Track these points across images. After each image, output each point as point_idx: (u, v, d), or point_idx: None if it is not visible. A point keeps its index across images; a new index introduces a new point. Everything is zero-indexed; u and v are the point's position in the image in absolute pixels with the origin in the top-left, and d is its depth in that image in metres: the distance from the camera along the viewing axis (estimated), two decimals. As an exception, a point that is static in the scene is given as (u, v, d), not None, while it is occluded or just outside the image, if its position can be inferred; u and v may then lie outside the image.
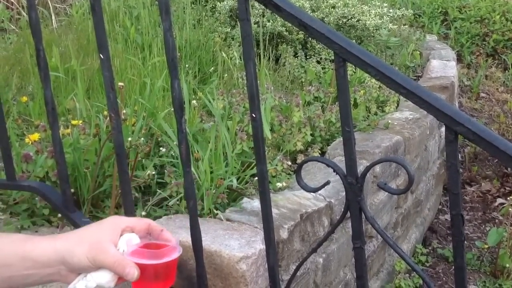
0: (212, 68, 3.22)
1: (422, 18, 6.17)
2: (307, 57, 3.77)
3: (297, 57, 3.71)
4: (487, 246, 2.84)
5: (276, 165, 2.18)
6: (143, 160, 1.98)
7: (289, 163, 2.26)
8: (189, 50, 3.26)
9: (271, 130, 2.50)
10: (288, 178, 2.15)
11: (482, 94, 5.05)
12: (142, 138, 1.90)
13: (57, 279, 0.82)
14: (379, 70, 1.11)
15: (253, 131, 1.29)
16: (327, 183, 1.26)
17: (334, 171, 1.22)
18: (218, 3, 3.87)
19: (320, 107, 2.83)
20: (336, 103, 2.85)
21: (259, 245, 1.55)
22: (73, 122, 2.05)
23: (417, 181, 3.00)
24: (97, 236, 0.81)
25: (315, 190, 1.26)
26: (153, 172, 1.91)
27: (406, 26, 4.90)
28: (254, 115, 1.29)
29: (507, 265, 2.70)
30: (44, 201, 1.70)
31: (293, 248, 1.79)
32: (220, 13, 3.86)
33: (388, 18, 3.98)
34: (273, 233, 1.31)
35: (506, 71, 5.82)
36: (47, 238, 0.82)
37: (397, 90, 1.11)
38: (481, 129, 1.02)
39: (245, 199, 1.92)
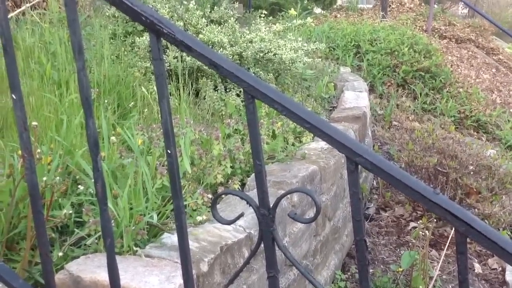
0: (132, 103, 3.23)
1: (337, 51, 6.45)
2: (227, 90, 3.85)
3: (217, 90, 3.78)
4: (401, 269, 2.98)
5: (197, 199, 2.21)
6: (60, 199, 1.95)
7: (210, 196, 2.29)
8: (108, 86, 3.24)
9: (192, 163, 2.53)
10: (208, 211, 2.18)
11: (394, 123, 5.33)
12: (58, 177, 1.88)
13: None
14: (285, 106, 1.18)
15: (169, 167, 1.32)
16: (241, 215, 1.31)
17: (247, 203, 1.27)
18: (137, 38, 3.89)
19: (239, 140, 2.90)
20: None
21: (179, 280, 1.56)
22: (-15, 162, 2.00)
23: (334, 208, 3.11)
24: None
25: (230, 223, 1.30)
26: (70, 211, 1.89)
27: (320, 59, 5.11)
28: (169, 151, 1.32)
29: (420, 287, 2.84)
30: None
31: (214, 281, 1.82)
32: (139, 48, 3.88)
33: (302, 52, 4.14)
34: (191, 267, 1.34)
35: (416, 100, 6.18)
36: None
37: (302, 125, 1.18)
38: (378, 160, 1.11)
39: (165, 234, 1.93)
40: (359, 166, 1.14)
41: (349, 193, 1.19)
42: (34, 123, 1.88)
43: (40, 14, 4.43)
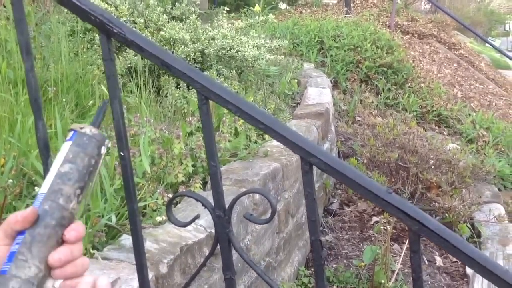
0: (91, 101, 3.16)
1: (301, 47, 6.47)
2: (189, 88, 3.81)
3: (179, 88, 3.74)
4: (363, 264, 3.01)
5: (157, 199, 2.19)
6: (14, 201, 1.90)
7: (170, 195, 2.26)
8: (66, 84, 3.17)
9: (152, 163, 2.50)
10: (168, 211, 2.16)
11: (357, 118, 5.38)
12: (11, 180, 1.82)
13: None
14: (238, 107, 1.17)
15: (122, 170, 1.29)
16: (197, 216, 1.29)
17: (202, 204, 1.26)
18: (97, 35, 3.82)
19: (201, 138, 2.88)
20: (217, 132, 2.91)
21: (136, 283, 1.54)
22: None
23: (297, 205, 3.12)
24: None
25: (185, 225, 1.29)
26: (25, 214, 1.84)
27: (284, 56, 5.11)
28: (122, 154, 1.29)
29: (382, 281, 2.87)
30: None
31: (174, 282, 1.80)
32: (99, 46, 3.80)
33: (265, 49, 4.13)
34: (146, 270, 1.32)
35: (379, 95, 6.25)
36: None
37: (256, 125, 1.17)
38: (332, 160, 1.11)
39: (124, 236, 1.90)
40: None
41: (304, 194, 1.19)
42: (-17, 125, 1.83)
43: (-3, 10, 4.30)
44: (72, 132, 0.79)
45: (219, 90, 1.20)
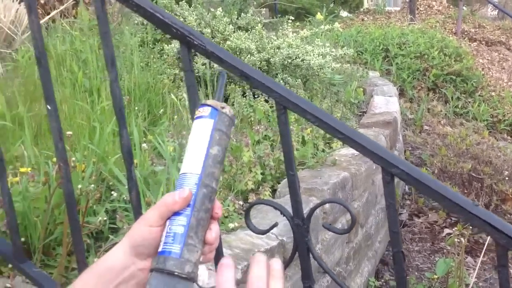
0: (162, 110, 3.25)
1: (365, 55, 6.40)
2: (255, 96, 3.85)
3: (245, 96, 3.78)
4: (436, 277, 2.93)
5: (228, 206, 2.22)
6: (94, 206, 1.98)
7: (241, 202, 2.29)
8: (138, 93, 3.28)
9: (223, 170, 2.53)
10: (240, 218, 2.18)
11: (425, 127, 5.26)
12: (92, 185, 1.90)
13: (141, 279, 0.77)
14: (317, 116, 1.17)
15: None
16: (275, 225, 1.30)
17: (281, 213, 1.27)
18: (166, 45, 3.92)
19: (269, 146, 2.90)
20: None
21: (212, 288, 1.56)
22: (22, 169, 2.03)
23: (366, 215, 3.08)
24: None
25: (264, 232, 1.30)
26: (105, 218, 1.91)
27: (348, 64, 5.07)
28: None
29: (456, 294, 2.79)
30: (-8, 252, 1.67)
31: (246, 288, 1.81)
32: (168, 55, 3.91)
33: (331, 57, 4.12)
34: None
35: (447, 104, 6.09)
36: (113, 247, 0.80)
37: (335, 135, 1.17)
38: (413, 170, 1.09)
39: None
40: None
41: (385, 204, 1.17)
42: (68, 132, 1.91)
43: (70, 22, 4.50)
44: (209, 109, 0.78)
45: (297, 100, 1.21)
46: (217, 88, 0.86)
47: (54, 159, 2.08)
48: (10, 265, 1.71)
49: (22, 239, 1.71)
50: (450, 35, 8.49)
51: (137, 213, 1.35)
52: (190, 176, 0.75)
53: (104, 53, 1.30)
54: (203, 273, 0.73)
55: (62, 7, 4.90)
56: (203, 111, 0.79)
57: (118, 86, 1.32)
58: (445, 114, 5.85)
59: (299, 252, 1.26)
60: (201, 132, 0.77)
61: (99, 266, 0.77)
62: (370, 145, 1.12)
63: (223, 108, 0.79)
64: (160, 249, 0.72)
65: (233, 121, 0.80)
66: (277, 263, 0.72)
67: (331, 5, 10.08)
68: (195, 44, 1.23)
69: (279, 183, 2.64)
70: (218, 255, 1.32)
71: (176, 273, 0.69)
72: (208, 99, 3.30)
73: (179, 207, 0.73)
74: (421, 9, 11.42)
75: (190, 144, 0.77)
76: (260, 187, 2.52)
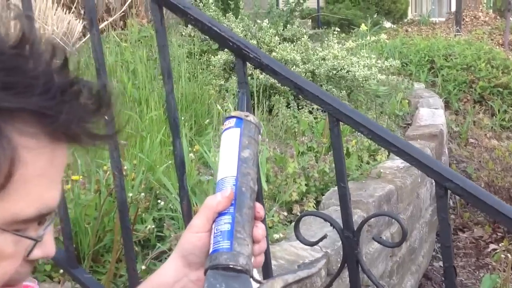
0: (208, 120, 3.30)
1: (410, 66, 6.34)
2: (299, 108, 3.87)
3: (289, 107, 3.80)
4: (482, 293, 2.86)
5: (273, 216, 2.23)
6: (143, 214, 2.02)
7: (285, 213, 2.30)
8: (185, 103, 3.34)
9: (267, 181, 2.55)
10: (284, 229, 2.19)
11: (471, 140, 5.16)
12: (142, 193, 1.95)
13: None
14: (371, 129, 1.17)
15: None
16: (325, 237, 1.30)
17: (331, 225, 1.27)
18: (213, 57, 3.98)
19: (313, 157, 2.90)
20: (329, 153, 2.92)
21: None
22: (74, 177, 2.10)
23: (410, 229, 3.04)
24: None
25: (313, 244, 1.31)
26: (152, 226, 1.95)
27: (394, 76, 5.03)
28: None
29: (502, 311, 2.72)
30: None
31: (292, 299, 1.82)
32: (214, 67, 3.97)
33: (376, 69, 4.10)
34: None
35: (494, 117, 5.96)
36: (166, 261, 0.80)
37: (388, 148, 1.17)
38: (469, 185, 1.08)
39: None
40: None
41: (429, 218, 1.17)
42: (123, 141, 1.97)
43: (118, 34, 4.62)
44: (234, 120, 0.81)
45: (351, 112, 1.22)
46: (239, 101, 0.91)
47: (105, 167, 2.15)
48: (61, 271, 1.76)
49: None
50: (497, 47, 8.32)
51: (188, 222, 1.37)
52: (227, 180, 0.77)
53: (161, 65, 1.34)
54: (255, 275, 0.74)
55: (111, 19, 5.04)
56: (229, 123, 0.82)
57: (173, 97, 1.35)
58: (492, 127, 5.73)
59: (348, 264, 1.26)
60: (230, 141, 0.80)
61: (152, 281, 0.79)
62: (424, 159, 1.12)
63: (247, 116, 0.81)
64: (210, 250, 0.73)
65: (259, 127, 0.83)
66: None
67: (375, 16, 10.01)
68: (250, 57, 1.25)
69: (323, 195, 2.64)
70: (267, 265, 1.34)
71: (231, 265, 0.69)
72: (254, 110, 3.31)
73: (222, 206, 0.74)
74: (466, 20, 11.24)
75: (222, 153, 0.80)
76: (304, 198, 2.53)
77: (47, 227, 0.55)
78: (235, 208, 0.75)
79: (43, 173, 0.51)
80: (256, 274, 0.74)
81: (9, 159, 0.47)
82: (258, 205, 0.79)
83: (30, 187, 0.50)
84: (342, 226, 1.26)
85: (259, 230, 0.76)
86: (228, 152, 0.79)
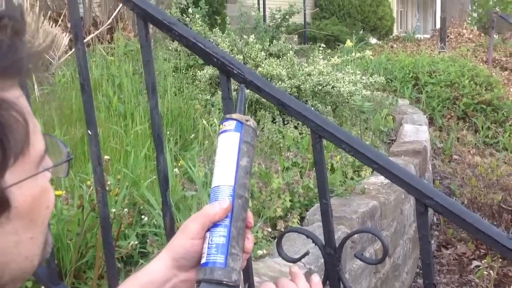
0: (193, 134, 3.30)
1: (394, 83, 6.40)
2: (285, 123, 3.88)
3: (275, 122, 3.82)
4: (465, 309, 2.87)
5: (257, 232, 2.23)
6: (126, 229, 2.01)
7: (269, 229, 2.30)
8: (170, 118, 3.34)
9: (251, 196, 2.55)
10: (268, 245, 2.19)
11: (454, 157, 5.20)
12: (126, 209, 1.94)
13: None
14: (353, 146, 1.18)
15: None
16: (307, 253, 1.30)
17: (313, 241, 1.28)
18: (198, 71, 3.99)
19: (298, 173, 2.91)
20: (314, 168, 2.92)
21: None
22: (56, 192, 2.08)
23: (394, 245, 3.06)
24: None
25: (295, 261, 1.30)
26: (136, 242, 1.94)
27: (379, 92, 5.08)
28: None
29: (485, 328, 2.73)
30: (27, 273, 1.70)
31: (275, 316, 1.81)
32: (200, 81, 3.98)
33: (361, 85, 4.14)
34: (256, 303, 1.34)
35: (477, 133, 6.02)
36: (154, 260, 0.81)
37: (370, 165, 1.18)
38: (449, 203, 1.09)
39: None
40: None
41: (412, 235, 1.17)
42: (106, 157, 1.96)
43: (105, 47, 4.62)
44: (234, 123, 0.81)
45: (333, 129, 1.23)
46: (237, 101, 0.89)
47: (89, 182, 2.13)
48: (42, 287, 1.74)
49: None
50: (481, 64, 8.44)
51: (170, 238, 1.37)
52: (223, 188, 0.77)
53: (146, 81, 1.34)
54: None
55: (97, 32, 5.04)
56: (228, 125, 0.81)
57: (158, 112, 1.35)
58: (475, 144, 5.79)
59: (330, 281, 1.26)
60: (229, 146, 0.80)
61: (140, 279, 0.78)
62: (404, 176, 1.13)
63: (247, 121, 0.81)
64: (204, 261, 0.74)
65: (257, 132, 0.83)
66: (316, 277, 0.77)
67: (361, 32, 10.12)
68: (234, 73, 1.26)
69: (307, 210, 2.65)
70: (249, 278, 1.34)
71: (224, 282, 0.71)
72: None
73: (219, 217, 0.75)
74: (451, 36, 11.38)
75: (220, 158, 0.80)
76: (288, 214, 2.53)
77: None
78: (231, 221, 0.75)
79: (29, 109, 0.53)
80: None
81: (21, 115, 0.50)
82: (249, 214, 0.79)
83: (34, 125, 0.53)
84: (324, 243, 1.26)
85: (250, 243, 0.78)
86: (227, 158, 0.79)
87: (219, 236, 0.74)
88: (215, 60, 1.27)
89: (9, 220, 0.52)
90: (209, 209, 0.76)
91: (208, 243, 0.74)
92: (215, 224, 0.75)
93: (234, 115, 0.82)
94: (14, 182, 0.51)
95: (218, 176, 0.79)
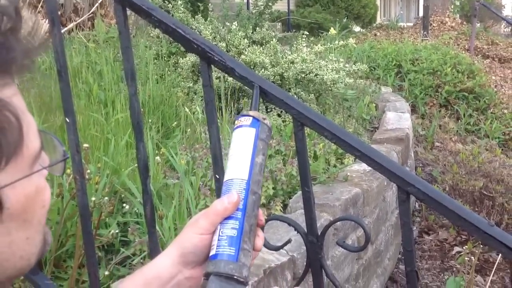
0: (175, 122, 3.27)
1: (377, 70, 6.41)
2: (268, 110, 3.87)
3: (258, 110, 3.79)
4: (446, 295, 2.90)
5: (239, 220, 2.22)
6: (106, 218, 1.99)
7: (252, 217, 2.29)
8: (152, 105, 3.30)
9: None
10: (251, 233, 2.18)
11: (436, 144, 5.24)
12: (106, 198, 1.91)
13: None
14: (335, 134, 1.18)
15: (216, 192, 1.33)
16: (289, 241, 1.30)
17: (295, 229, 1.27)
18: (181, 58, 3.95)
19: (281, 161, 2.90)
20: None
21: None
22: (36, 181, 2.05)
23: (376, 232, 3.07)
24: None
25: (277, 249, 1.30)
26: (116, 231, 1.92)
27: (362, 80, 5.08)
28: (217, 176, 1.33)
29: (466, 313, 2.76)
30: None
31: (257, 304, 1.81)
32: (182, 69, 3.94)
33: (344, 73, 4.13)
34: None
35: (459, 121, 6.07)
36: (160, 254, 0.79)
37: (352, 153, 1.17)
38: (430, 190, 1.09)
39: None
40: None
41: (394, 221, 1.17)
42: (85, 145, 1.93)
43: (86, 34, 4.55)
44: (250, 119, 0.81)
45: (315, 117, 1.22)
46: (252, 100, 0.93)
47: (68, 171, 2.10)
48: (21, 277, 1.72)
49: (35, 250, 1.72)
50: (463, 52, 8.49)
51: (151, 227, 1.35)
52: (237, 182, 0.76)
53: (125, 67, 1.32)
54: None
55: (78, 20, 4.97)
56: (244, 120, 0.81)
57: (137, 100, 1.33)
58: (457, 131, 5.84)
59: (312, 269, 1.26)
60: (244, 141, 0.79)
61: (147, 274, 0.77)
62: (386, 163, 1.12)
63: (264, 119, 0.82)
64: (213, 253, 0.72)
65: (271, 131, 0.83)
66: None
67: (344, 20, 10.11)
68: (215, 60, 1.25)
69: (290, 198, 2.65)
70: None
71: (235, 277, 0.70)
72: (222, 113, 3.28)
73: (229, 212, 0.74)
74: (434, 25, 11.44)
75: (234, 151, 0.79)
76: (271, 202, 2.52)
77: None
78: (244, 215, 0.74)
79: (24, 108, 0.53)
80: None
81: (14, 115, 0.49)
82: (260, 212, 0.79)
83: (28, 124, 0.52)
84: (306, 231, 1.26)
85: (260, 240, 0.78)
86: (242, 152, 0.78)
87: (230, 228, 0.73)
88: (195, 46, 1.25)
89: (1, 222, 0.50)
90: (218, 205, 0.75)
91: (219, 235, 0.73)
92: (226, 217, 0.74)
93: (251, 112, 0.82)
94: (7, 183, 0.49)
95: (231, 169, 0.78)
